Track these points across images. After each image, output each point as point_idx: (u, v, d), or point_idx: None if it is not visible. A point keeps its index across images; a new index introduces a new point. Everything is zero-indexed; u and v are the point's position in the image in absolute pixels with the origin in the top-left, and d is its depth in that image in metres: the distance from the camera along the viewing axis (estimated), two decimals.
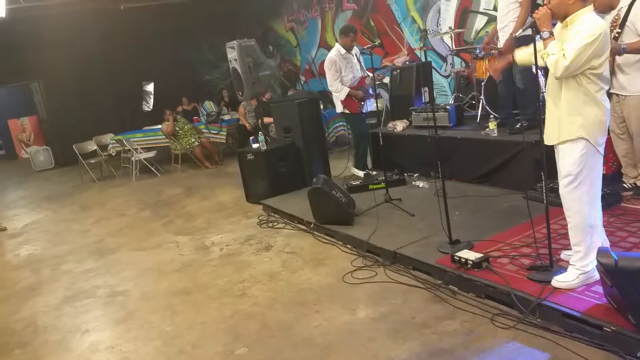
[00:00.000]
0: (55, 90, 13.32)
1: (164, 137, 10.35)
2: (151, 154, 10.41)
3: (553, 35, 3.04)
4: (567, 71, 2.93)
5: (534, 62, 3.18)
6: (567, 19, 3.04)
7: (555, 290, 3.15)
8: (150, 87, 13.28)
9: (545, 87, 5.34)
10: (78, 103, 13.30)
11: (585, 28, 2.90)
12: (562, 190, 3.14)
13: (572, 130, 3.04)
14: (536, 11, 3.09)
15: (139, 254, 5.69)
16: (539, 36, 3.14)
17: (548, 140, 3.22)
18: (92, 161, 10.65)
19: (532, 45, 3.21)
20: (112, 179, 10.58)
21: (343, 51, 6.43)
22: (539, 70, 5.57)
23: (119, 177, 10.62)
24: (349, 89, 6.40)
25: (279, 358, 3.23)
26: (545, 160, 3.25)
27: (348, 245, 4.83)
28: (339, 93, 6.47)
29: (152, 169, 10.15)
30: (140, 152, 10.28)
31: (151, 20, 13.06)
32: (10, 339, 4.07)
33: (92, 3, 11.74)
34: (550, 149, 3.25)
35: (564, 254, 3.54)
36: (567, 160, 3.08)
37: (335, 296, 3.91)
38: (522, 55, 3.48)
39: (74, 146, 10.66)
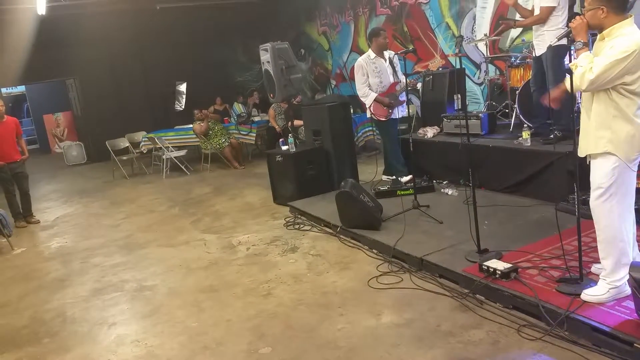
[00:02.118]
0: (90, 87, 13.59)
1: (194, 136, 10.48)
2: (182, 152, 10.56)
3: (586, 46, 2.98)
4: (592, 85, 2.86)
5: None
6: (604, 32, 2.97)
7: (584, 304, 3.09)
8: (183, 87, 13.49)
9: (580, 97, 5.28)
10: (112, 100, 13.55)
11: (619, 43, 2.82)
12: (592, 203, 3.08)
13: (599, 144, 2.98)
14: (572, 20, 3.04)
15: (167, 250, 5.77)
16: (573, 46, 3.09)
17: (580, 151, 3.16)
18: (124, 158, 10.84)
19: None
20: (143, 176, 10.75)
21: (373, 55, 6.39)
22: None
23: (150, 174, 10.79)
24: (375, 95, 6.37)
25: (302, 359, 3.23)
26: (578, 172, 3.20)
27: (374, 250, 4.81)
28: (365, 98, 6.45)
29: (182, 167, 10.28)
30: (171, 151, 10.43)
31: (186, 20, 13.26)
32: (39, 328, 4.16)
33: (128, 3, 11.99)
34: (584, 161, 3.20)
35: (594, 267, 3.48)
36: (597, 173, 3.02)
37: (359, 300, 3.90)
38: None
39: (106, 142, 10.87)
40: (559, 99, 3.63)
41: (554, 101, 3.70)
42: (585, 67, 2.87)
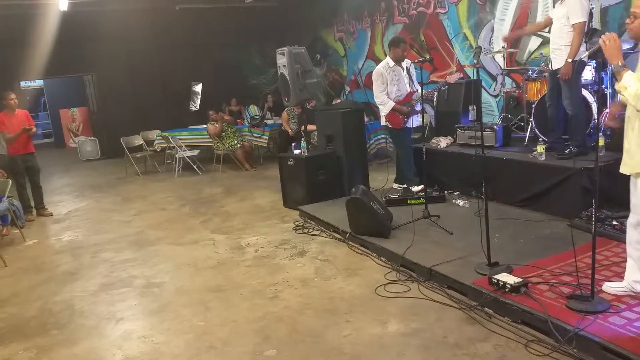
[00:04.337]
0: (107, 84, 13.68)
1: (208, 136, 10.54)
2: (194, 152, 10.61)
3: (626, 67, 2.94)
4: None
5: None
6: None
7: (594, 322, 3.06)
8: (198, 88, 13.57)
9: (596, 114, 5.25)
10: (128, 98, 13.64)
11: None
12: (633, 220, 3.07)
13: None
14: (603, 38, 2.99)
15: (177, 248, 5.79)
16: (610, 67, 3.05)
17: (630, 169, 3.12)
18: (138, 155, 10.89)
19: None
20: (155, 174, 10.81)
21: (392, 63, 6.38)
22: (590, 97, 5.50)
23: (162, 173, 10.85)
24: (394, 104, 6.36)
25: None
26: (597, 189, 3.17)
27: (382, 258, 4.80)
28: (383, 106, 6.43)
29: (194, 167, 10.33)
30: (184, 150, 10.48)
31: (204, 22, 13.36)
32: (48, 320, 4.19)
33: (148, 2, 12.10)
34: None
35: (606, 286, 3.44)
36: None
37: (366, 307, 3.89)
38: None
39: (121, 139, 10.94)
40: (615, 116, 3.49)
41: (611, 119, 3.57)
42: (636, 85, 2.84)
